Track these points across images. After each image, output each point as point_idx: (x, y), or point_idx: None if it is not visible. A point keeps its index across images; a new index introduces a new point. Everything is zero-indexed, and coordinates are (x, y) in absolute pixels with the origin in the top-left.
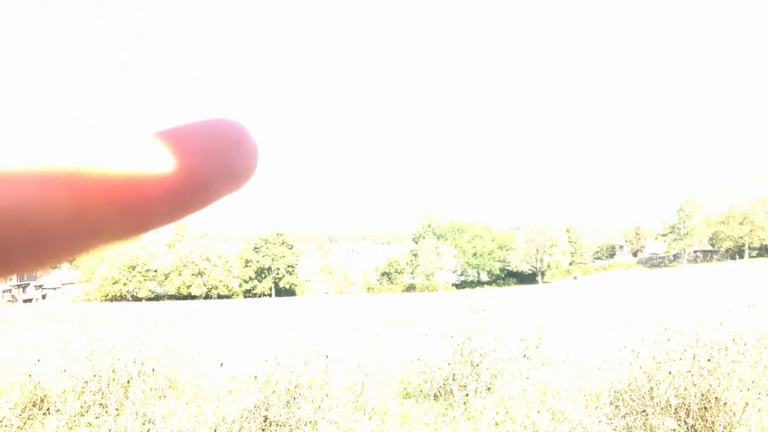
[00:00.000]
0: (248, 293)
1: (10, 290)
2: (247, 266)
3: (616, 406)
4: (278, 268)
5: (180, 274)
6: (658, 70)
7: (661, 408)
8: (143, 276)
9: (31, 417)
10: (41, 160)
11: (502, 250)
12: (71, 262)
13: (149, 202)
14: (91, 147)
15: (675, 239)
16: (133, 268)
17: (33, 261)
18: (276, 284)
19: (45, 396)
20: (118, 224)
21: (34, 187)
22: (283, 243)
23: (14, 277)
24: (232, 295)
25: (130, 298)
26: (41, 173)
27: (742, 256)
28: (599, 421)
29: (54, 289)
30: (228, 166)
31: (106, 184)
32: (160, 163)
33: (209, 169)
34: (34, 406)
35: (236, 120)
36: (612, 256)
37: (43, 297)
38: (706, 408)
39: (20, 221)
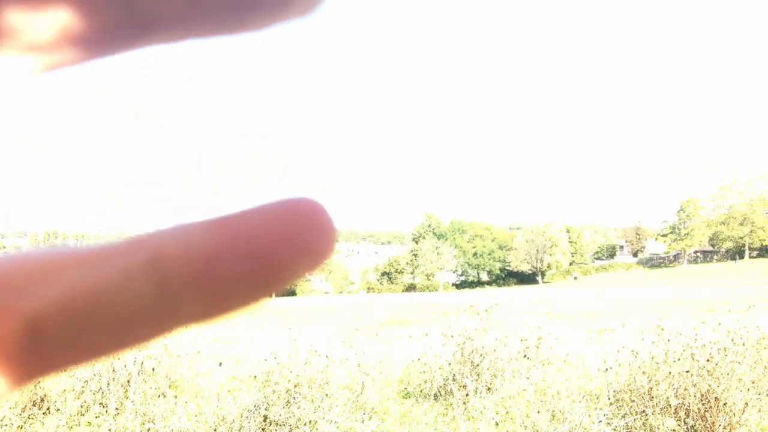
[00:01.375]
0: None
1: None
2: None
3: (617, 407)
4: None
5: None
6: (658, 70)
7: (661, 408)
8: None
9: (31, 416)
10: (121, 240)
11: (502, 250)
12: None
13: (228, 284)
14: (168, 227)
15: (675, 239)
16: None
17: (115, 346)
18: None
19: (45, 395)
20: (197, 306)
21: (118, 267)
22: None
23: None
24: None
25: None
26: (123, 252)
27: (742, 257)
28: (599, 422)
29: None
30: (304, 247)
31: (185, 264)
32: (237, 245)
33: (287, 251)
34: (34, 405)
35: (312, 198)
36: (612, 256)
37: None
38: (705, 408)
39: (106, 303)
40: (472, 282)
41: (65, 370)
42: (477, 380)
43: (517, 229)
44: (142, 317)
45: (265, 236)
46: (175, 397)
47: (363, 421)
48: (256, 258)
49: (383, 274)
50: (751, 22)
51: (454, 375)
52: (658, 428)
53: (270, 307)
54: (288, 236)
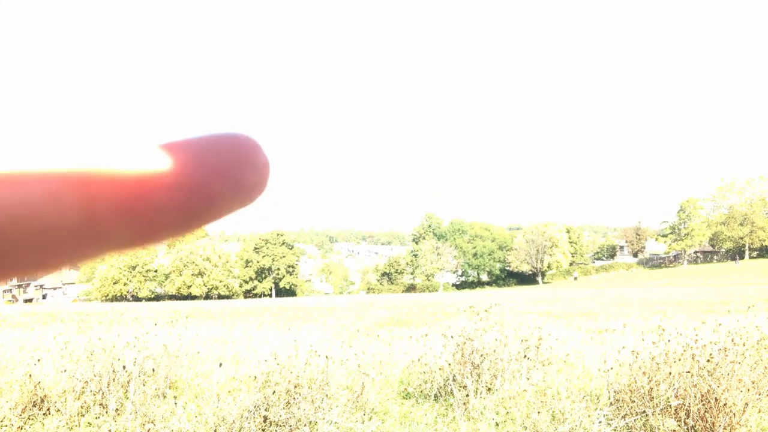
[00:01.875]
0: (248, 293)
1: (10, 290)
2: (247, 266)
3: (617, 407)
4: (278, 269)
5: (180, 275)
6: (658, 70)
7: (661, 409)
8: (143, 276)
9: (31, 417)
10: (51, 163)
11: (502, 250)
12: (75, 267)
13: (156, 212)
14: (100, 154)
15: (675, 240)
16: (134, 268)
17: (37, 265)
18: (276, 284)
19: (45, 396)
20: (125, 232)
21: (43, 189)
22: (283, 243)
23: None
24: (233, 295)
25: (131, 298)
26: (51, 175)
27: (742, 257)
28: (599, 422)
29: (54, 288)
30: (237, 182)
31: (115, 190)
32: (168, 174)
33: (218, 183)
34: (34, 406)
35: (248, 135)
36: (612, 256)
37: (44, 297)
38: (706, 409)
39: (27, 222)
40: (472, 282)
41: None
42: (477, 381)
43: (517, 229)
44: (66, 240)
45: (198, 168)
46: (175, 397)
47: (363, 422)
48: (186, 188)
49: (383, 274)
50: (751, 24)
51: (454, 375)
52: (658, 429)
53: (270, 307)
54: (221, 170)
